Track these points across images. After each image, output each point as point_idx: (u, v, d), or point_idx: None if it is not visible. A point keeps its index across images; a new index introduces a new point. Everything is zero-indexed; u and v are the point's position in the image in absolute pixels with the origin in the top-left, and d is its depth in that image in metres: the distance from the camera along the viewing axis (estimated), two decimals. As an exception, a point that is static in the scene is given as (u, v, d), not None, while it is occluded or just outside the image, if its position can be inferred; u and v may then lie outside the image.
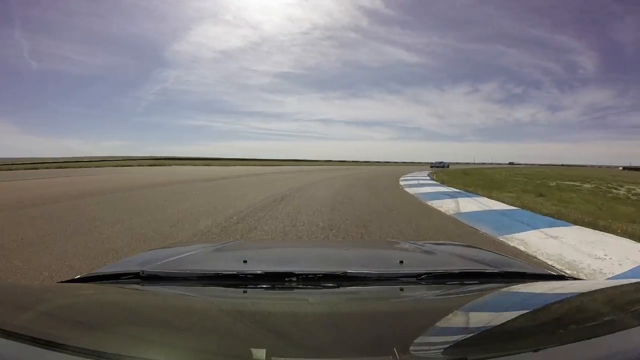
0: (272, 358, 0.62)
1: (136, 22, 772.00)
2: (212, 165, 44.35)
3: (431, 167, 57.75)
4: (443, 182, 17.78)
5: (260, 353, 0.63)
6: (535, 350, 0.63)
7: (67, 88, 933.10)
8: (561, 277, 1.29)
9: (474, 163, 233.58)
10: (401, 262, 1.29)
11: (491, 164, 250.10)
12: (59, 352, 0.60)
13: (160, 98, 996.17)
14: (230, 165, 43.58)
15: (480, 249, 1.99)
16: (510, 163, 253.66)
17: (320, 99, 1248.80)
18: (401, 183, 17.05)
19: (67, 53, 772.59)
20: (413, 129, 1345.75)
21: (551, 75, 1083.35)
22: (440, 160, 71.76)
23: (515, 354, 0.62)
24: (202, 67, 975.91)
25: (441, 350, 0.70)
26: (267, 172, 27.78)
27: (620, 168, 64.75)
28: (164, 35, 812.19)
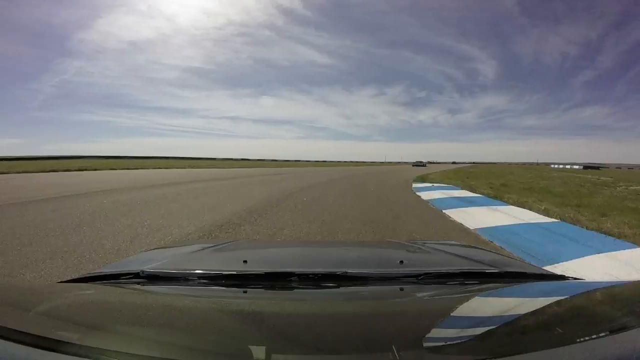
0: (272, 358, 0.62)
1: (42, 7, 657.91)
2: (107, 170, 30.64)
3: (413, 165, 67.67)
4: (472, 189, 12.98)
5: (260, 353, 0.63)
6: (535, 351, 0.63)
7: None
8: (561, 277, 1.29)
9: (390, 163, 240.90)
10: (401, 262, 1.30)
11: (406, 163, 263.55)
12: (59, 352, 0.59)
13: (59, 91, 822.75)
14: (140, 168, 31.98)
15: (481, 249, 2.01)
16: (453, 162, 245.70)
17: (230, 95, 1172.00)
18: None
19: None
20: (321, 128, 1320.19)
21: (453, 81, 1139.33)
22: (419, 160, 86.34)
23: (515, 354, 0.62)
24: (108, 58, 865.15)
25: (441, 350, 0.70)
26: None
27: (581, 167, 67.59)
28: (70, 22, 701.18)
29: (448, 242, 2.78)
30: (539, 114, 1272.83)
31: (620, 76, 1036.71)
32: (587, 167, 66.06)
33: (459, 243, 2.46)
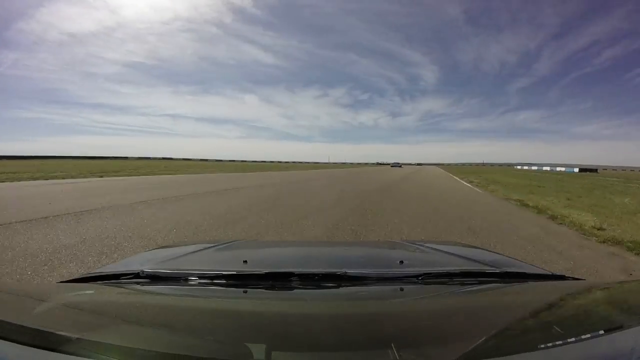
0: (272, 358, 0.62)
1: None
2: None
3: (391, 166, 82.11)
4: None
5: (260, 353, 0.63)
6: (535, 350, 0.64)
7: None
8: (561, 277, 1.29)
9: (335, 163, 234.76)
10: (401, 262, 1.30)
11: (352, 163, 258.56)
12: (59, 352, 0.60)
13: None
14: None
15: (481, 249, 2.03)
16: (419, 164, 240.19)
17: (171, 93, 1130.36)
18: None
19: None
20: (263, 128, 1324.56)
21: (395, 84, 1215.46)
22: (396, 161, 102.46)
23: (515, 354, 0.62)
24: (46, 50, 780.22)
25: (441, 350, 0.70)
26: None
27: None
28: (12, 11, 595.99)
29: (448, 242, 2.88)
30: (476, 118, 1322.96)
31: (554, 83, 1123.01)
32: (583, 169, 66.77)
33: (459, 243, 2.52)
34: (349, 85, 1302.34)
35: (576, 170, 69.89)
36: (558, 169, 76.11)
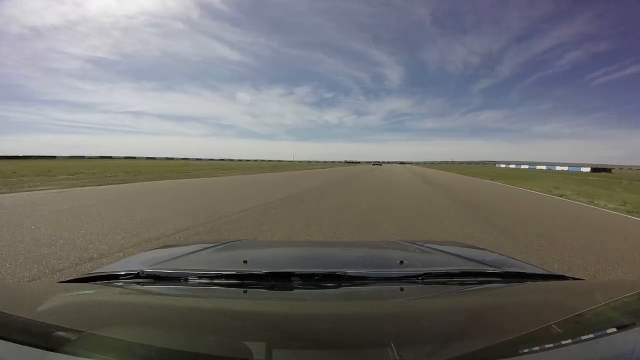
0: (272, 357, 0.63)
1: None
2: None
3: (373, 165, 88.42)
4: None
5: (260, 353, 0.63)
6: (535, 350, 0.64)
7: None
8: (561, 277, 1.29)
9: (300, 162, 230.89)
10: (401, 262, 1.31)
11: (317, 162, 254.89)
12: (59, 351, 0.60)
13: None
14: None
15: (481, 249, 2.02)
16: (402, 162, 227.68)
17: (134, 89, 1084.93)
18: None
19: None
20: (227, 126, 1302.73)
21: (361, 83, 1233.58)
22: (377, 160, 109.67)
23: (515, 354, 0.63)
24: (6, 44, 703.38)
25: (441, 350, 0.70)
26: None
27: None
28: None
29: (448, 242, 2.82)
30: (439, 117, 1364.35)
31: (515, 84, 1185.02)
32: (596, 169, 61.85)
33: (459, 243, 2.49)
34: (315, 84, 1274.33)
35: (583, 169, 62.79)
36: (558, 168, 72.53)
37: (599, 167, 67.73)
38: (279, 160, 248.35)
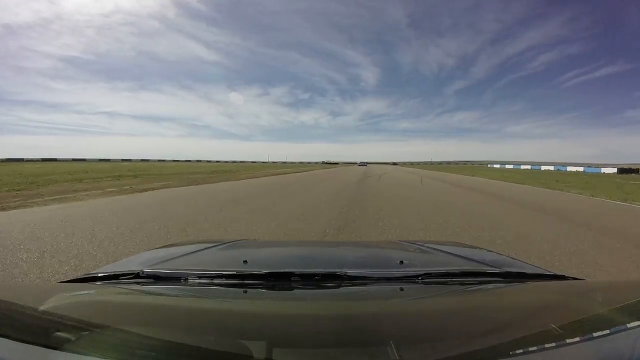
0: (273, 357, 0.62)
1: None
2: None
3: (359, 165, 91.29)
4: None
5: (260, 353, 0.63)
6: (535, 350, 0.64)
7: None
8: (561, 277, 1.28)
9: (274, 163, 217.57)
10: (401, 262, 1.31)
11: (292, 163, 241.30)
12: (59, 352, 0.60)
13: None
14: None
15: (481, 249, 2.02)
16: (394, 163, 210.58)
17: (108, 89, 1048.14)
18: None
19: None
20: (203, 126, 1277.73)
21: (336, 84, 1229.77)
22: (363, 161, 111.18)
23: (515, 354, 0.62)
24: None
25: (441, 350, 0.70)
26: None
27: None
28: None
29: (448, 242, 2.81)
30: (414, 118, 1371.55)
31: (489, 86, 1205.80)
32: (624, 170, 52.09)
33: (459, 243, 2.48)
34: (291, 85, 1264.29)
35: (605, 170, 52.65)
36: (569, 168, 64.30)
37: (625, 167, 56.19)
38: (252, 162, 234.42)
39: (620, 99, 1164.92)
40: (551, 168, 68.90)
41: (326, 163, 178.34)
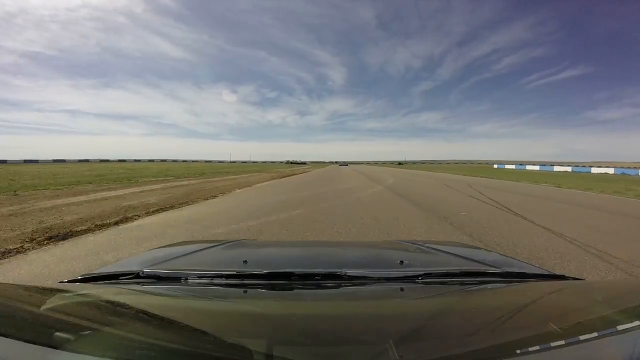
0: (273, 358, 0.62)
1: None
2: None
3: (339, 165, 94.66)
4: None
5: (260, 353, 0.63)
6: (535, 350, 0.63)
7: None
8: (561, 277, 1.29)
9: (234, 162, 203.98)
10: (401, 262, 1.30)
11: (255, 162, 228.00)
12: (59, 352, 0.60)
13: None
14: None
15: (481, 249, 2.02)
16: (400, 163, 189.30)
17: (70, 86, 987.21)
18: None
19: None
20: (168, 125, 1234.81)
21: (304, 84, 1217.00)
22: (344, 161, 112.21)
23: (515, 354, 0.62)
24: None
25: (441, 350, 0.70)
26: None
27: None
28: None
29: (448, 242, 2.76)
30: (381, 118, 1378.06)
31: (455, 87, 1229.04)
32: None
33: (459, 243, 2.44)
34: (258, 83, 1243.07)
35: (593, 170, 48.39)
36: (556, 168, 60.16)
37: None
38: (219, 161, 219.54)
39: (580, 101, 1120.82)
40: (536, 167, 64.32)
41: (292, 163, 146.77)
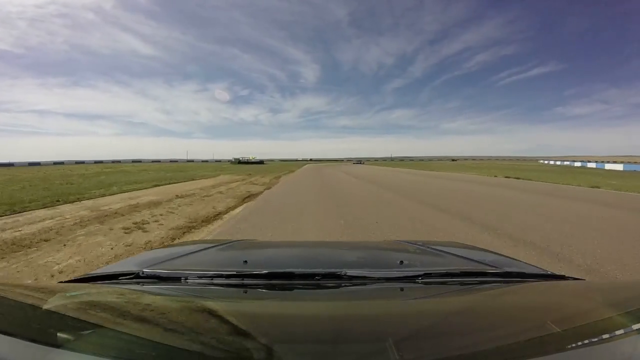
0: (273, 358, 0.63)
1: None
2: None
3: (353, 163, 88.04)
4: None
5: (260, 353, 0.63)
6: (534, 351, 0.64)
7: None
8: (561, 277, 1.28)
9: (192, 161, 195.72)
10: (401, 262, 1.31)
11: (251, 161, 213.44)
12: (59, 351, 0.60)
13: None
14: None
15: (481, 249, 2.01)
16: (403, 160, 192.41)
17: (38, 85, 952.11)
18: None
19: None
20: (139, 124, 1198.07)
21: (276, 81, 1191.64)
22: (359, 159, 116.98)
23: (514, 354, 0.63)
24: None
25: (441, 350, 0.70)
26: None
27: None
28: None
29: (448, 242, 2.76)
30: (353, 115, 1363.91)
31: (426, 84, 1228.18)
32: None
33: (459, 243, 2.46)
34: (230, 81, 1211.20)
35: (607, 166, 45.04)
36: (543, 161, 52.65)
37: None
38: (189, 160, 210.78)
39: (550, 97, 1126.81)
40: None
41: (243, 162, 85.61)
